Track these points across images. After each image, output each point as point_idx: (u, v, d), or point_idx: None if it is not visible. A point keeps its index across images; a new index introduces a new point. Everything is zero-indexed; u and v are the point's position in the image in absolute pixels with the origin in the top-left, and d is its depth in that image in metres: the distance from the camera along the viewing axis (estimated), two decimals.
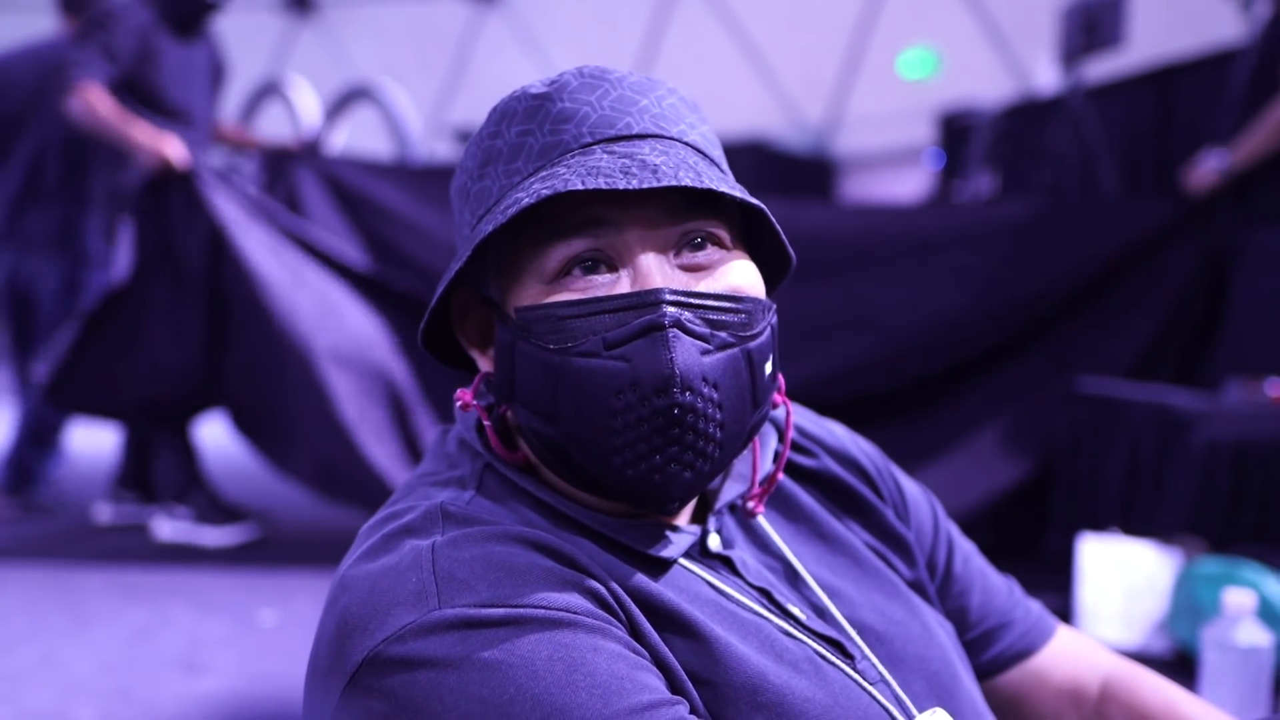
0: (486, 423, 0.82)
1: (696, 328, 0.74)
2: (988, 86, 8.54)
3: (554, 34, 12.04)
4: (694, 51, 11.34)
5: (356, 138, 7.00)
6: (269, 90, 6.57)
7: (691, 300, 0.75)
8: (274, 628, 2.77)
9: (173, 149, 3.38)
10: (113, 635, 2.68)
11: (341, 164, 3.79)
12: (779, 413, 0.92)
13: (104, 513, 3.96)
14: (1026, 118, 5.62)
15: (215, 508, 3.67)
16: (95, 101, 3.45)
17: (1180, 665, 2.38)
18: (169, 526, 3.70)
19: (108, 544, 3.61)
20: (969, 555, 1.00)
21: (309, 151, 3.75)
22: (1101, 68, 5.00)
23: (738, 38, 11.35)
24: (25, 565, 3.32)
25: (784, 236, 0.82)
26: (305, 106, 6.19)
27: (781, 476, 0.90)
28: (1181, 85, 4.52)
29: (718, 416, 0.74)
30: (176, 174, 3.39)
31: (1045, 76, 7.21)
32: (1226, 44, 4.44)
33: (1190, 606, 2.39)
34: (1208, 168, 3.31)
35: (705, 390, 0.73)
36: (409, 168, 3.94)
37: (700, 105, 0.86)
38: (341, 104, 6.54)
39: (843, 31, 10.91)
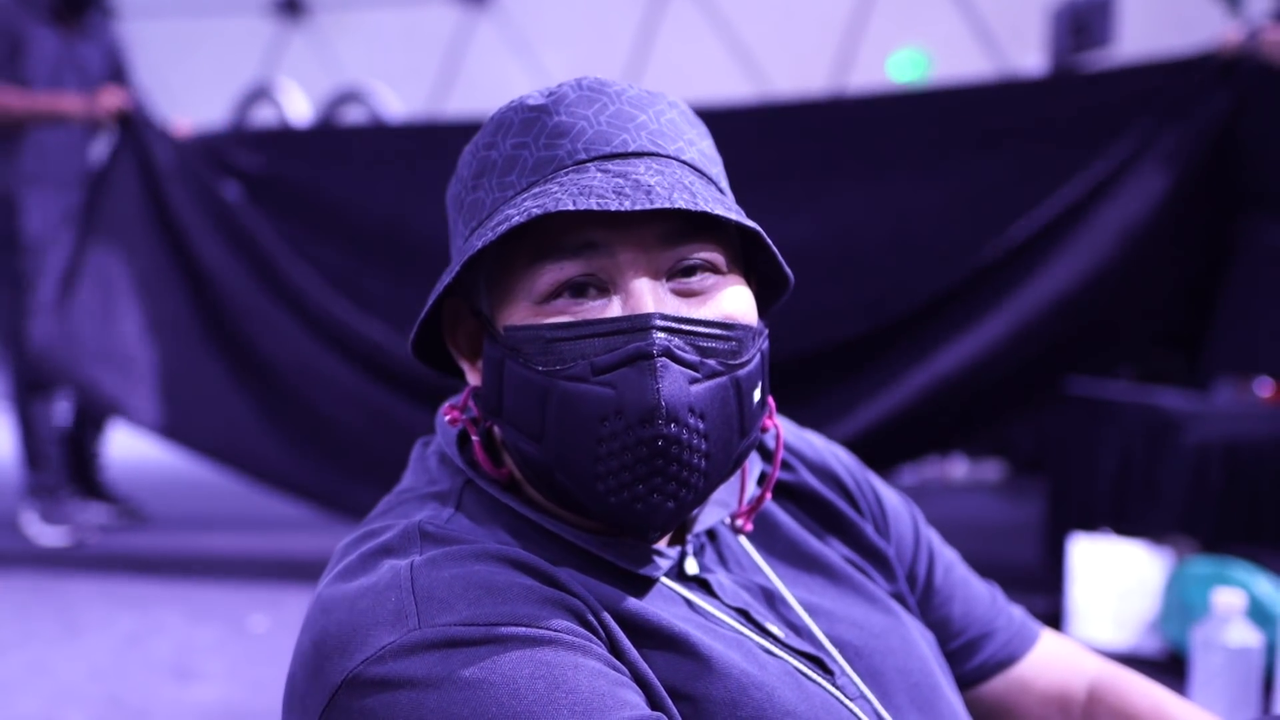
0: (475, 437, 0.81)
1: (686, 355, 0.73)
2: None
3: (545, 38, 12.02)
4: (685, 54, 11.31)
5: None
6: (259, 94, 6.57)
7: (682, 326, 0.74)
8: (264, 633, 2.76)
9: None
10: (103, 642, 2.68)
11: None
12: (768, 435, 0.91)
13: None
14: None
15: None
16: None
17: (1171, 665, 2.39)
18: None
19: (97, 550, 3.60)
20: (950, 565, 1.00)
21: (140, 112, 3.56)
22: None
23: (728, 40, 11.35)
24: (14, 572, 3.31)
25: (781, 258, 0.81)
26: (295, 110, 6.19)
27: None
28: None
29: (703, 447, 0.73)
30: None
31: None
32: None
33: (1181, 606, 2.39)
34: (1236, 32, 3.10)
35: (691, 421, 0.72)
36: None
37: (701, 120, 0.84)
38: (332, 108, 6.53)
39: (833, 34, 10.91)
